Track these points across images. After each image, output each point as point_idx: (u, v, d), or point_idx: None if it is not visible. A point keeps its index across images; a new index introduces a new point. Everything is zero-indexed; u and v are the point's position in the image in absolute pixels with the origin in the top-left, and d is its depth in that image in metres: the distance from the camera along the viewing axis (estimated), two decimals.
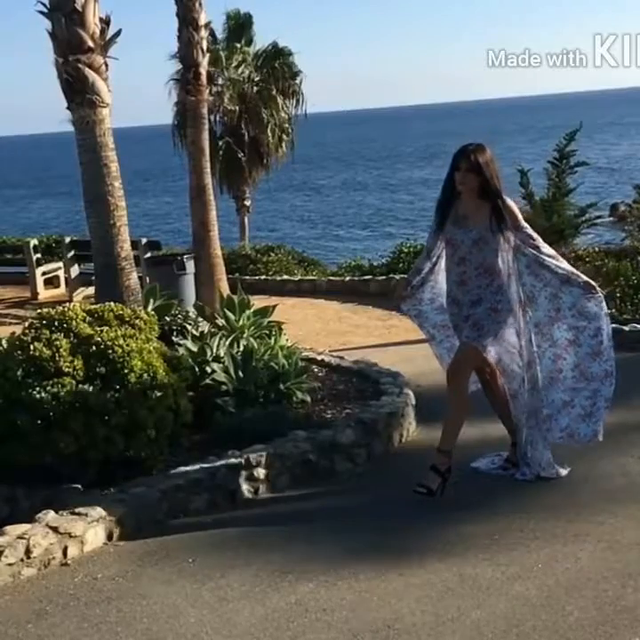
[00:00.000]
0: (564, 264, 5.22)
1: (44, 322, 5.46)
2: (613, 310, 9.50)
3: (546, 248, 5.19)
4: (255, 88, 20.71)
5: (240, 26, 21.10)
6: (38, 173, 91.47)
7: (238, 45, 20.98)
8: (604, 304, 5.18)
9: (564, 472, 5.31)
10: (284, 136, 21.23)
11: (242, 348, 6.71)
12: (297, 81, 21.28)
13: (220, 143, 20.12)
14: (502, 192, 5.10)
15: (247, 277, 13.31)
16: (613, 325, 8.79)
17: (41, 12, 7.31)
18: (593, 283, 5.19)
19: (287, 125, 21.33)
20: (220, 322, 7.69)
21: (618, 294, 9.87)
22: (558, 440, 5.26)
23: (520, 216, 5.17)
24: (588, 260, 12.05)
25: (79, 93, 7.22)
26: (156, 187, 67.14)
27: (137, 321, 5.64)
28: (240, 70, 20.77)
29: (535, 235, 5.18)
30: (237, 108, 20.47)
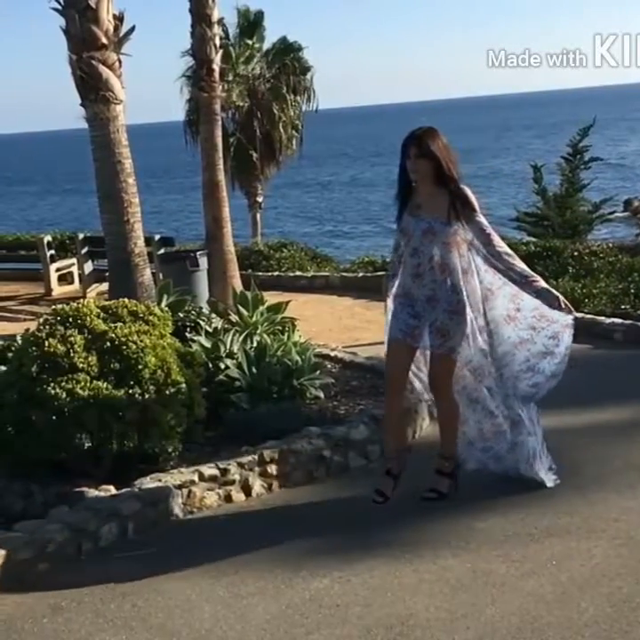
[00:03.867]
0: (520, 265, 4.88)
1: (59, 318, 5.47)
2: (628, 306, 9.48)
3: (502, 247, 4.86)
4: (267, 84, 20.70)
5: (252, 23, 21.06)
6: (49, 170, 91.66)
7: (250, 42, 20.95)
8: (569, 317, 4.91)
9: (549, 482, 5.06)
10: (294, 132, 21.21)
11: (255, 345, 6.72)
12: (308, 76, 21.25)
13: (231, 140, 20.11)
14: (459, 178, 4.77)
15: (260, 274, 13.30)
16: (629, 322, 8.85)
17: (55, 9, 7.35)
18: (555, 292, 4.88)
19: (298, 122, 21.30)
20: (234, 318, 7.70)
21: (632, 290, 9.84)
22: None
23: (476, 205, 4.80)
24: (601, 255, 12.00)
25: (93, 90, 7.25)
26: (161, 184, 67.09)
27: (151, 317, 5.64)
28: (251, 66, 20.75)
29: (489, 229, 4.83)
30: (247, 104, 20.45)
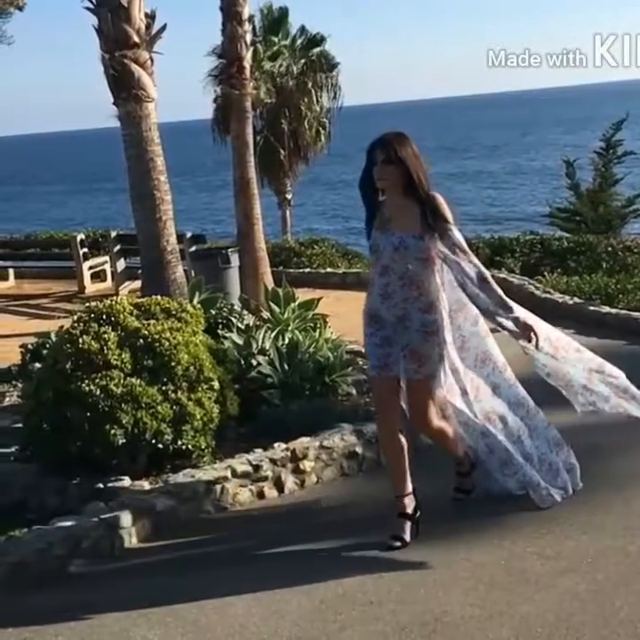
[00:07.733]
0: (495, 293, 4.42)
1: (92, 315, 5.51)
2: None
3: (477, 269, 4.43)
4: (294, 81, 20.64)
5: (277, 20, 20.99)
6: (78, 169, 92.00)
7: (276, 39, 20.90)
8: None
9: (557, 497, 4.75)
10: (321, 129, 21.15)
11: (287, 341, 6.73)
12: (334, 73, 21.13)
13: (259, 138, 20.10)
14: (430, 187, 4.38)
15: (291, 270, 13.31)
16: None
17: (87, 8, 7.41)
18: (525, 322, 4.41)
19: (324, 119, 21.24)
20: (265, 315, 7.72)
21: None
22: (582, 409, 4.69)
23: (450, 216, 4.38)
24: (636, 250, 11.89)
25: (125, 88, 7.31)
26: (185, 182, 67.09)
27: (183, 314, 5.67)
28: (278, 63, 20.69)
29: (461, 253, 4.40)
30: (274, 101, 20.41)
